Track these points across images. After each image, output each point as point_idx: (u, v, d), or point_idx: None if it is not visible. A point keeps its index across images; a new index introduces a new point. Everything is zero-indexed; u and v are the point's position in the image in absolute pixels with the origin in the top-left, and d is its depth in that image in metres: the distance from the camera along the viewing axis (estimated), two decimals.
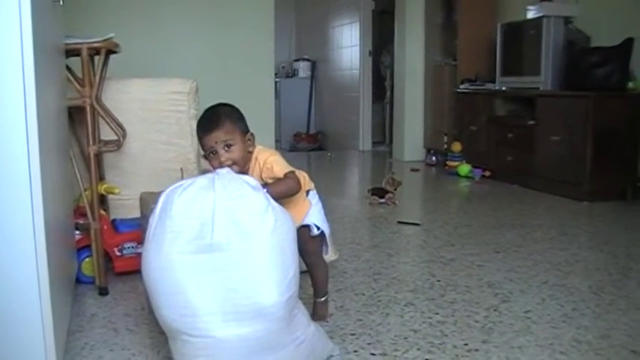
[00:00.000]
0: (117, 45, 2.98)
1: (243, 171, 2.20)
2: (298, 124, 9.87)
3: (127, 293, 2.88)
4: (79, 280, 2.99)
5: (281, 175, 2.22)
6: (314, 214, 2.43)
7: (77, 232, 2.97)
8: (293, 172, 2.26)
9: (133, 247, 3.04)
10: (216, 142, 2.16)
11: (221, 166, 2.13)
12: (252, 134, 2.24)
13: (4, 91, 1.64)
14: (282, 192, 2.14)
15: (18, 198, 1.69)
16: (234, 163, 2.14)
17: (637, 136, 5.04)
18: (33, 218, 1.70)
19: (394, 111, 8.06)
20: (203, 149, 2.21)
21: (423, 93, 7.63)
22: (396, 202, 4.95)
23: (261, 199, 1.95)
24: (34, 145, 1.69)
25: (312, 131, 9.97)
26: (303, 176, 2.41)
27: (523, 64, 5.95)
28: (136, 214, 3.05)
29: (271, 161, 2.23)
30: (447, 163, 6.75)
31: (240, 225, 1.88)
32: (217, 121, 2.17)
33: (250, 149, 2.24)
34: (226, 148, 2.16)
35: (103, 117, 3.01)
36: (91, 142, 2.87)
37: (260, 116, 6.06)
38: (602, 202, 4.91)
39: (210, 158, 2.20)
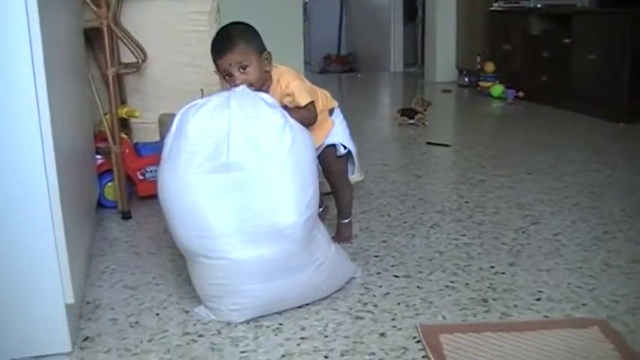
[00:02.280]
0: None
1: (262, 91, 2.13)
2: (329, 46, 9.71)
3: (150, 217, 2.86)
4: (102, 205, 2.97)
5: (302, 104, 2.14)
6: (338, 133, 2.36)
7: (99, 156, 2.94)
8: (313, 102, 2.18)
9: (155, 171, 3.00)
10: (230, 65, 2.07)
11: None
12: (268, 53, 2.15)
13: (6, 13, 1.57)
14: (297, 120, 2.05)
15: (26, 123, 1.63)
16: (251, 84, 2.06)
17: None
18: (42, 142, 1.65)
19: (425, 31, 7.86)
20: (218, 71, 2.13)
21: (456, 12, 7.39)
22: (426, 122, 4.85)
23: (278, 117, 1.89)
24: (39, 67, 1.62)
25: (342, 53, 9.81)
26: (324, 94, 2.35)
27: None
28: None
29: (293, 87, 2.15)
30: (480, 83, 6.58)
31: (256, 143, 1.83)
32: (230, 43, 2.08)
33: (267, 68, 2.15)
34: (241, 69, 2.07)
35: (121, 38, 2.94)
36: (109, 65, 2.81)
37: (288, 38, 5.95)
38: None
39: (226, 81, 2.12)
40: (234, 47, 2.07)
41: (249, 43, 2.10)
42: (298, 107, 2.14)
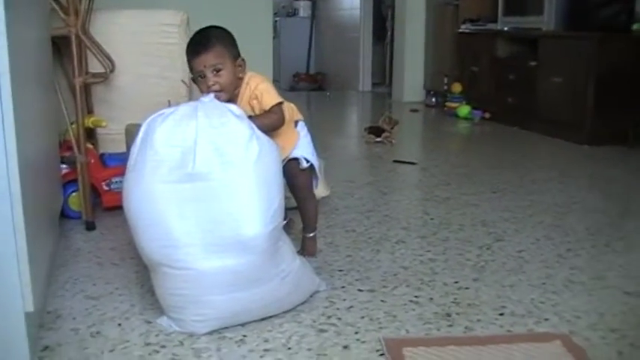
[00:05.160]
0: None
1: (232, 97, 2.13)
2: (298, 64, 9.74)
3: (115, 228, 2.83)
4: (66, 215, 2.93)
5: (269, 105, 2.16)
6: (303, 146, 2.36)
7: (64, 165, 2.91)
8: (281, 104, 2.20)
9: (121, 182, 2.96)
10: (204, 66, 2.08)
11: (209, 90, 2.06)
12: (243, 60, 2.17)
13: None
14: (265, 125, 2.06)
15: None
16: (222, 88, 2.07)
17: None
18: (5, 150, 1.62)
19: (394, 52, 7.93)
20: (191, 72, 2.13)
21: (424, 33, 7.49)
22: (393, 141, 4.88)
23: (245, 128, 1.88)
24: (4, 74, 1.59)
25: (311, 71, 9.85)
26: (290, 107, 2.35)
27: (526, 3, 5.82)
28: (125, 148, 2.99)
29: (262, 89, 2.17)
30: (447, 104, 6.65)
31: (223, 154, 1.82)
32: (207, 44, 2.08)
33: (240, 75, 2.17)
34: (215, 72, 2.08)
35: (89, 48, 2.92)
36: (76, 74, 2.80)
37: (257, 55, 5.92)
38: (603, 146, 4.81)
39: (198, 82, 2.13)
40: (211, 49, 2.08)
41: (226, 47, 2.12)
42: (265, 111, 2.16)
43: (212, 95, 2.00)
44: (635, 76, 4.89)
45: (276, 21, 9.08)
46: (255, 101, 2.18)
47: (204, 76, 2.09)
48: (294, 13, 10.09)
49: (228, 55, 2.11)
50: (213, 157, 1.81)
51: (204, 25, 2.23)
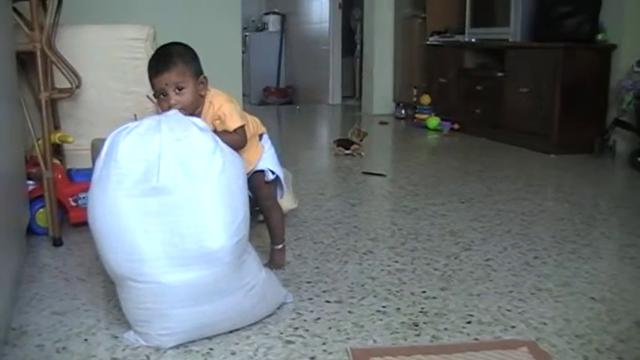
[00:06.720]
0: None
1: (194, 115, 2.12)
2: (268, 79, 9.77)
3: (82, 244, 2.81)
4: (34, 231, 2.91)
5: (232, 128, 2.15)
6: (267, 159, 2.37)
7: (31, 182, 2.89)
8: (243, 127, 2.19)
9: None
10: (166, 85, 2.07)
11: (170, 109, 2.04)
12: (205, 77, 2.16)
13: None
14: (226, 143, 2.05)
15: None
16: (184, 107, 2.05)
17: (605, 88, 5.01)
18: None
19: (363, 64, 7.98)
20: (153, 90, 2.12)
21: (393, 46, 7.54)
22: (362, 153, 4.90)
23: (209, 141, 1.88)
24: None
25: (281, 85, 9.87)
26: (254, 120, 2.36)
27: (493, 15, 5.89)
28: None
29: (225, 109, 2.15)
30: (416, 116, 6.70)
31: (187, 167, 1.82)
32: (169, 62, 2.07)
33: (202, 93, 2.16)
34: (177, 90, 2.07)
35: (55, 63, 2.91)
36: (42, 89, 2.78)
37: (226, 70, 5.93)
38: (570, 155, 4.89)
39: (159, 100, 2.11)
40: (173, 67, 2.07)
41: (188, 65, 2.10)
42: (227, 131, 2.14)
43: (176, 109, 2.00)
44: (599, 85, 4.98)
45: (245, 35, 9.10)
46: (218, 121, 2.16)
47: (165, 94, 2.08)
48: (263, 27, 10.12)
49: (190, 73, 2.10)
50: (178, 171, 1.81)
51: (171, 40, 2.23)
